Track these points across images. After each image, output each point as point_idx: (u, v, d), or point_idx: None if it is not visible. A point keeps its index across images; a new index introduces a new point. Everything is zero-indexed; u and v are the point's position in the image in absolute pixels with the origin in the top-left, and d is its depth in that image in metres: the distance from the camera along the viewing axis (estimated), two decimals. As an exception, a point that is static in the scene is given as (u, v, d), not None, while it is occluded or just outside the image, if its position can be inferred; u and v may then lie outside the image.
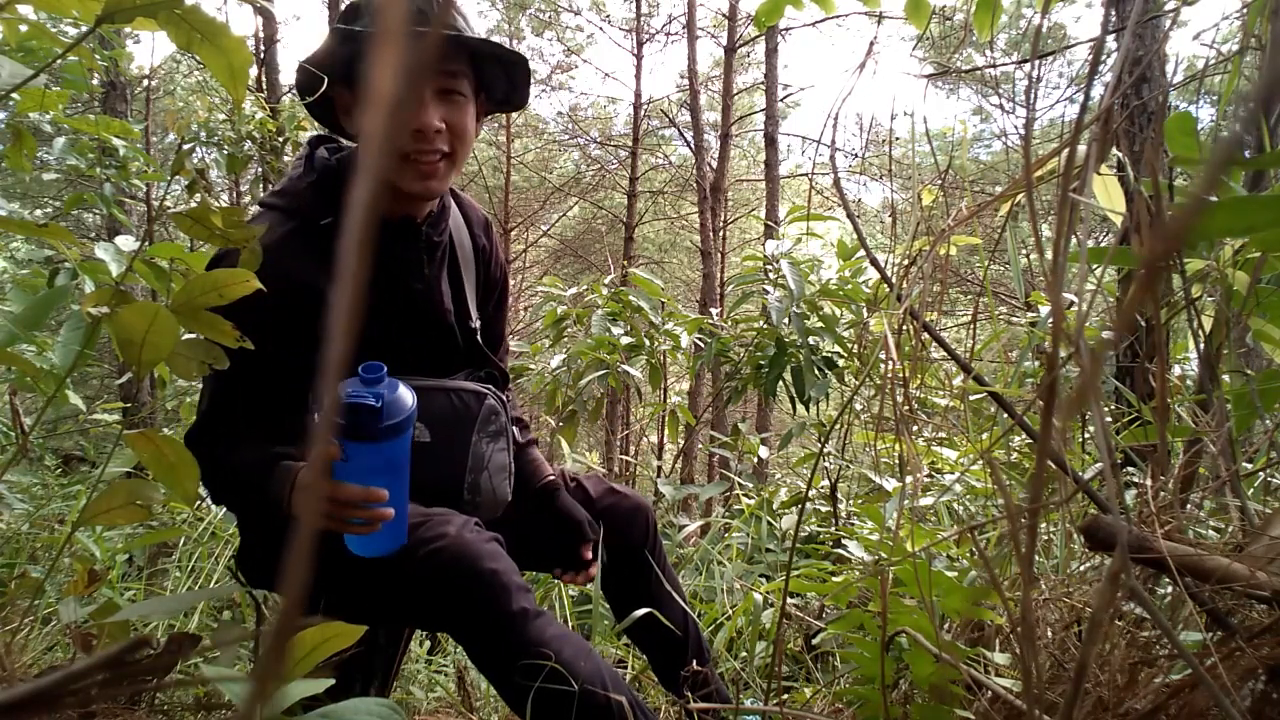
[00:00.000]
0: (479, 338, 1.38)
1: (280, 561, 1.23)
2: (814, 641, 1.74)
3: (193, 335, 0.99)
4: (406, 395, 1.06)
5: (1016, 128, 9.84)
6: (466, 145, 1.23)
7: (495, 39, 1.36)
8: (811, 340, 2.79)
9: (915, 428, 2.43)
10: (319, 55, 1.18)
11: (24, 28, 1.05)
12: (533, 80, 1.33)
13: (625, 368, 3.01)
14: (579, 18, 12.96)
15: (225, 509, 1.19)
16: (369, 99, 0.19)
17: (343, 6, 1.26)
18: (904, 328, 1.20)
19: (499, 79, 1.27)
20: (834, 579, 1.38)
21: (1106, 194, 1.19)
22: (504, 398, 1.34)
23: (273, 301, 1.02)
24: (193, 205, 0.94)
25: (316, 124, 1.37)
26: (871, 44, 1.32)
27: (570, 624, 2.19)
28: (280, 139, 4.52)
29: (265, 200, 1.25)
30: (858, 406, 2.95)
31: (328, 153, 1.26)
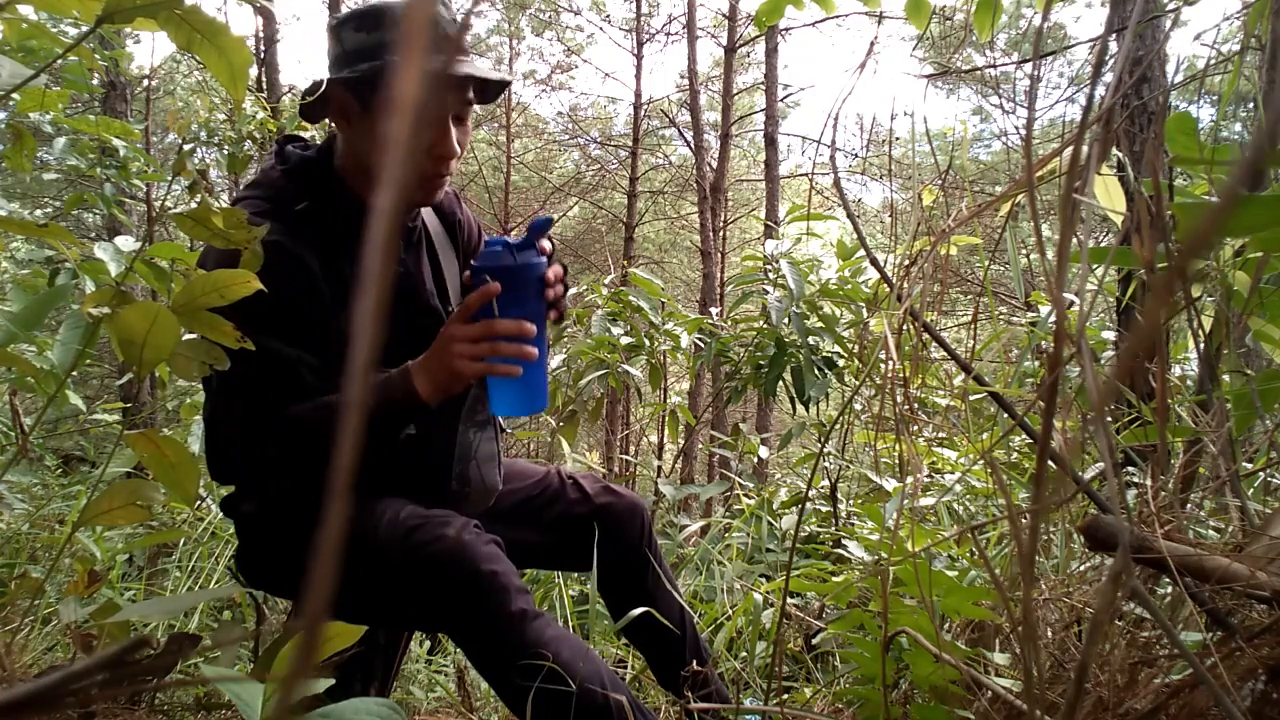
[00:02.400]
0: None
1: (282, 563, 1.24)
2: (814, 641, 1.74)
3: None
4: (540, 260, 1.14)
5: (1017, 128, 9.84)
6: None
7: (499, 66, 1.38)
8: (811, 340, 2.79)
9: (915, 428, 2.43)
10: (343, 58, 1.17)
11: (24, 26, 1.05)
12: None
13: (625, 368, 3.01)
14: (579, 18, 12.94)
15: (303, 467, 1.16)
16: (394, 106, 0.19)
17: (352, 7, 1.25)
18: (904, 328, 1.20)
19: (487, 95, 1.30)
20: (834, 579, 1.38)
21: (1107, 194, 1.19)
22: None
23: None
24: (193, 206, 0.94)
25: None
26: (871, 44, 1.32)
27: (570, 624, 2.19)
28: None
29: (240, 194, 1.25)
30: (858, 406, 2.95)
31: (297, 149, 1.28)
